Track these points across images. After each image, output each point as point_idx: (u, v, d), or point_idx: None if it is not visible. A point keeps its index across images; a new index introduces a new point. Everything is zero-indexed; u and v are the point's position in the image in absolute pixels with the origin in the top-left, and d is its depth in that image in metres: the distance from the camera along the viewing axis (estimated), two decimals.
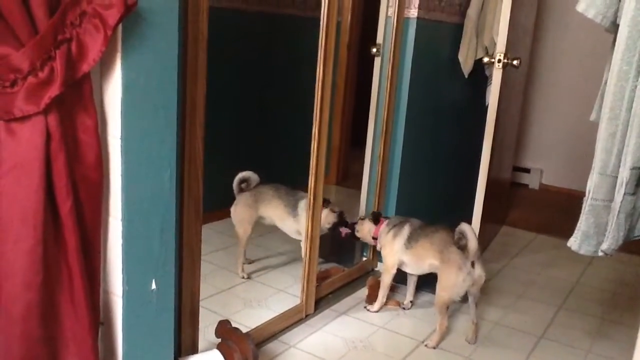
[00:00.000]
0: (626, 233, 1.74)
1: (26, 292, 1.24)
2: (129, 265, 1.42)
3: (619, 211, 1.68)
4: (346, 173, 4.15)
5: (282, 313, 2.34)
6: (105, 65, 1.32)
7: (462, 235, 2.23)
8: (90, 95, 1.28)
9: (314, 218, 2.38)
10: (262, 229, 2.88)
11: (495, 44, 2.80)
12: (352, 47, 3.95)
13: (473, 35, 3.10)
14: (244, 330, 2.05)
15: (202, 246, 1.87)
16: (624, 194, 1.67)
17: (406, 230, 2.46)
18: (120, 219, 1.39)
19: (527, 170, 4.77)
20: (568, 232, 1.84)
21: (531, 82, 4.58)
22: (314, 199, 2.36)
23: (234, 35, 3.10)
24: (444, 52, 3.11)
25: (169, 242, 1.52)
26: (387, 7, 2.67)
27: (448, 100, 3.22)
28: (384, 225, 2.55)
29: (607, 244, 1.73)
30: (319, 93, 2.25)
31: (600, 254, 1.78)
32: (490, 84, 2.74)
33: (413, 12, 2.70)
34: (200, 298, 1.90)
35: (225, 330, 2.00)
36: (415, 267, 2.49)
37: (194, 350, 1.90)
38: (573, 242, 1.81)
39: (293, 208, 2.64)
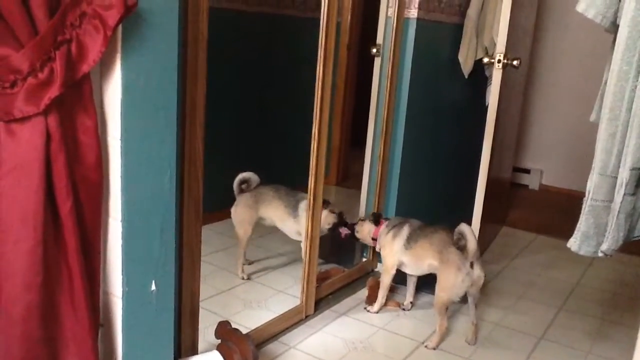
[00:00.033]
0: (626, 233, 1.74)
1: (26, 292, 1.24)
2: (128, 266, 1.42)
3: (618, 212, 1.68)
4: (346, 173, 4.15)
5: (282, 314, 2.34)
6: (105, 66, 1.32)
7: (461, 236, 2.23)
8: (90, 96, 1.28)
9: (313, 219, 2.38)
10: (262, 230, 2.88)
11: (495, 44, 2.80)
12: (352, 47, 3.96)
13: (473, 36, 3.10)
14: (244, 331, 2.05)
15: (202, 247, 1.87)
16: (624, 194, 1.67)
17: (405, 230, 2.46)
18: (120, 219, 1.39)
19: (527, 171, 4.76)
20: (568, 233, 1.83)
21: (531, 83, 4.57)
22: (314, 199, 2.36)
23: (234, 36, 3.10)
24: (444, 52, 3.11)
25: (169, 242, 1.52)
26: (387, 7, 2.67)
27: (448, 101, 3.22)
28: (383, 226, 2.55)
29: (607, 245, 1.73)
30: (319, 93, 2.25)
31: (600, 254, 1.78)
32: (490, 84, 2.74)
33: (413, 13, 2.70)
34: (200, 299, 1.90)
35: (225, 331, 2.00)
36: (414, 267, 2.49)
37: (194, 351, 1.90)
38: (573, 243, 1.81)
39: (294, 209, 2.64)
